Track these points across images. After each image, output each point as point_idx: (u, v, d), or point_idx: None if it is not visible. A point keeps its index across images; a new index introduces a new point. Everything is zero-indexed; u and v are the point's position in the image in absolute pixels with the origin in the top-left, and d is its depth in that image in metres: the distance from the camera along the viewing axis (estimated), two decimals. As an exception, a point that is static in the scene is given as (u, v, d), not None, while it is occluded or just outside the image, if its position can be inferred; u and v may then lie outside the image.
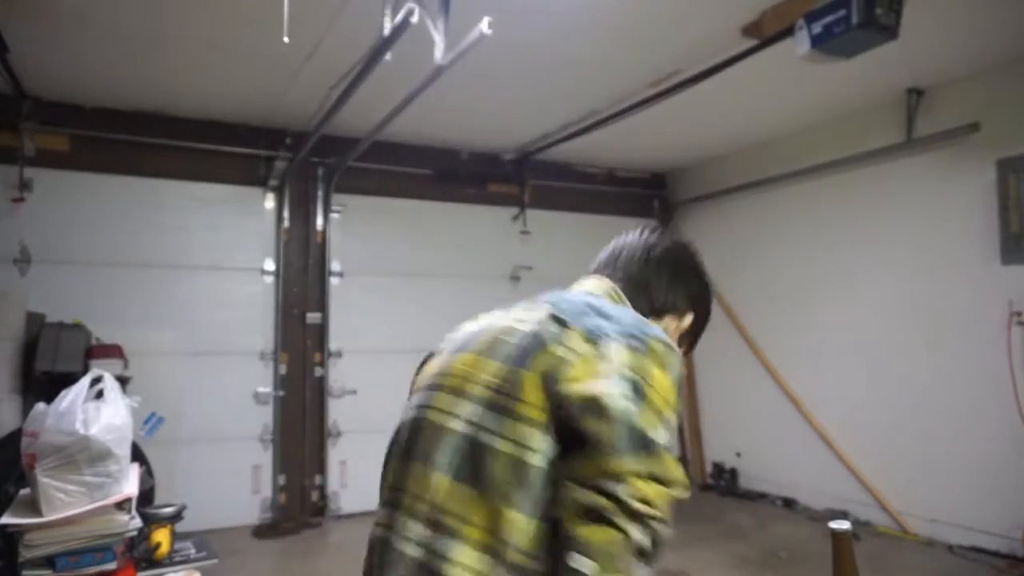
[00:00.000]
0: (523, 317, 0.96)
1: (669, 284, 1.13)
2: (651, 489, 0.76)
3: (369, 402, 5.60)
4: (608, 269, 1.14)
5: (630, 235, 1.19)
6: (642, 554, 0.75)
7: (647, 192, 7.05)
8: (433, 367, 1.01)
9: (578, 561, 0.74)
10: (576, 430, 0.79)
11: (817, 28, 3.09)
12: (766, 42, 3.63)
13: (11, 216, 4.63)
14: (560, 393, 0.82)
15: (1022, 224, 4.18)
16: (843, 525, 1.18)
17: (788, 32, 3.34)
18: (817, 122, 5.35)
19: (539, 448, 0.81)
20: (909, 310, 4.83)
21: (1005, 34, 3.90)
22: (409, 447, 0.94)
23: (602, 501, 0.75)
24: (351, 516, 5.43)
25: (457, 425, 0.87)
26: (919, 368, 4.74)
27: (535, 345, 0.88)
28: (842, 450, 5.25)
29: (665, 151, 6.36)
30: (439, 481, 0.86)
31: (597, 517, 0.74)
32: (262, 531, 5.04)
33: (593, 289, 1.11)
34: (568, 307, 0.94)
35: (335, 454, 5.52)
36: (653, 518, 0.76)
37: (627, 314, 0.96)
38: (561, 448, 0.81)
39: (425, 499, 0.86)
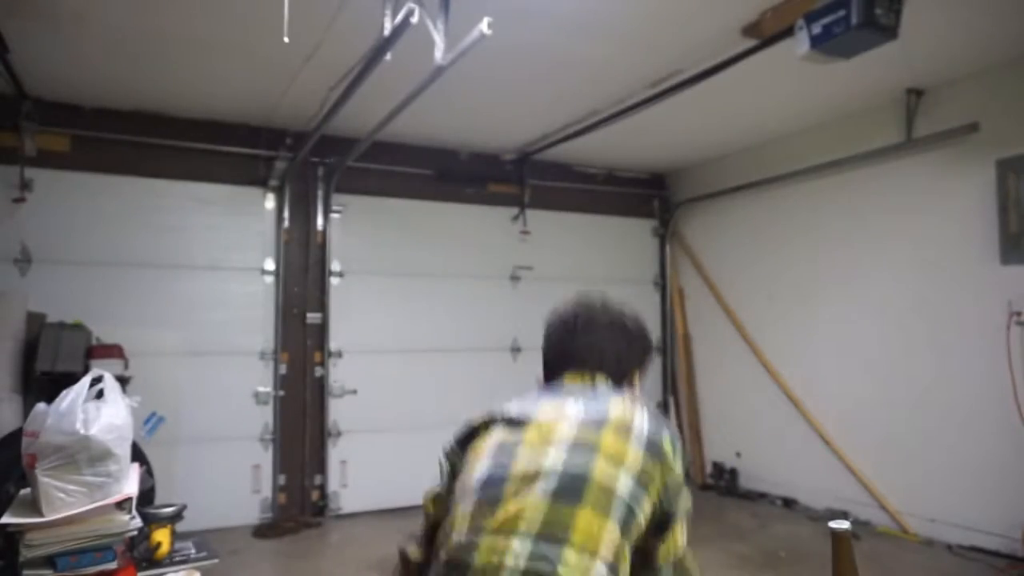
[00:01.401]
0: (629, 410, 1.19)
1: (642, 361, 1.43)
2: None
3: (369, 402, 5.61)
4: (595, 365, 1.35)
5: (597, 329, 1.38)
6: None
7: (647, 192, 7.06)
8: (567, 434, 1.15)
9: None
10: (666, 519, 1.13)
11: (817, 28, 3.10)
12: (766, 42, 3.63)
13: (12, 216, 4.63)
14: (666, 491, 1.13)
15: (1021, 224, 4.18)
16: (843, 525, 1.18)
17: (788, 32, 3.34)
18: (817, 122, 5.35)
19: (648, 518, 1.11)
20: (908, 310, 4.83)
21: (1005, 34, 3.90)
22: (579, 495, 1.07)
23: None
24: (351, 516, 5.44)
25: (625, 494, 1.08)
26: (919, 368, 4.74)
27: (659, 443, 1.15)
28: (842, 450, 5.25)
29: (665, 151, 6.37)
30: (612, 528, 1.05)
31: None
32: (262, 531, 5.04)
33: (614, 395, 1.29)
34: (652, 418, 1.20)
35: (335, 454, 5.52)
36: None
37: (659, 422, 1.21)
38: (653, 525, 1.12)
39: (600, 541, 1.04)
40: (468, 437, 1.26)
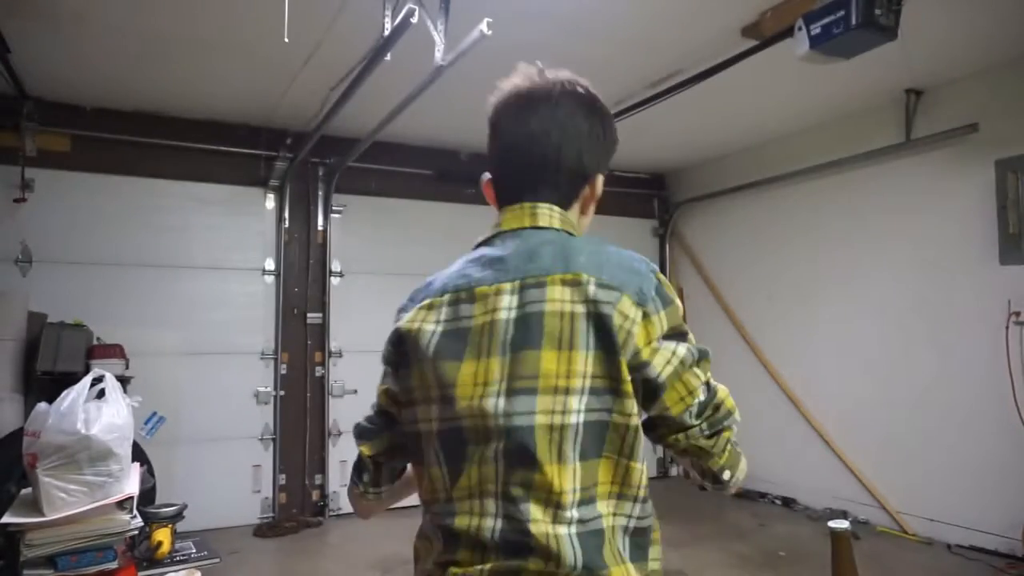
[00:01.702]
0: (570, 297, 0.99)
1: (608, 156, 1.16)
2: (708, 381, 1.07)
3: (369, 402, 5.60)
4: (549, 171, 1.12)
5: (557, 101, 1.12)
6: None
7: (647, 192, 7.06)
8: (501, 374, 0.99)
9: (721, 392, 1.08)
10: (657, 388, 1.00)
11: (816, 29, 3.10)
12: (766, 43, 3.63)
13: (12, 216, 4.63)
14: (639, 364, 0.99)
15: (1020, 224, 4.18)
16: (842, 525, 1.18)
17: (787, 32, 3.34)
18: (816, 122, 5.35)
19: (635, 411, 0.98)
20: (908, 310, 4.83)
21: (1004, 34, 3.90)
22: (522, 449, 0.97)
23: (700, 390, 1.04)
24: (351, 515, 5.44)
25: (575, 419, 0.96)
26: (918, 368, 4.74)
27: (609, 326, 0.97)
28: (841, 450, 5.26)
29: (665, 151, 6.36)
30: (573, 469, 0.96)
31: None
32: (262, 530, 5.04)
33: (569, 228, 1.14)
34: (607, 272, 1.01)
35: (335, 454, 5.53)
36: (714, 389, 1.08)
37: (612, 281, 1.02)
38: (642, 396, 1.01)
39: (562, 490, 0.95)
40: (400, 340, 1.15)
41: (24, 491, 1.99)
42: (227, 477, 5.15)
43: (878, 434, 5.00)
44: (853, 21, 2.93)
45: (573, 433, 0.95)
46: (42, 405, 1.96)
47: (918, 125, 4.68)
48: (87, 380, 1.99)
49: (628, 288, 0.99)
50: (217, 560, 2.14)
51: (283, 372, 5.41)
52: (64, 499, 1.81)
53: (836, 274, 5.35)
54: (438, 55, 3.08)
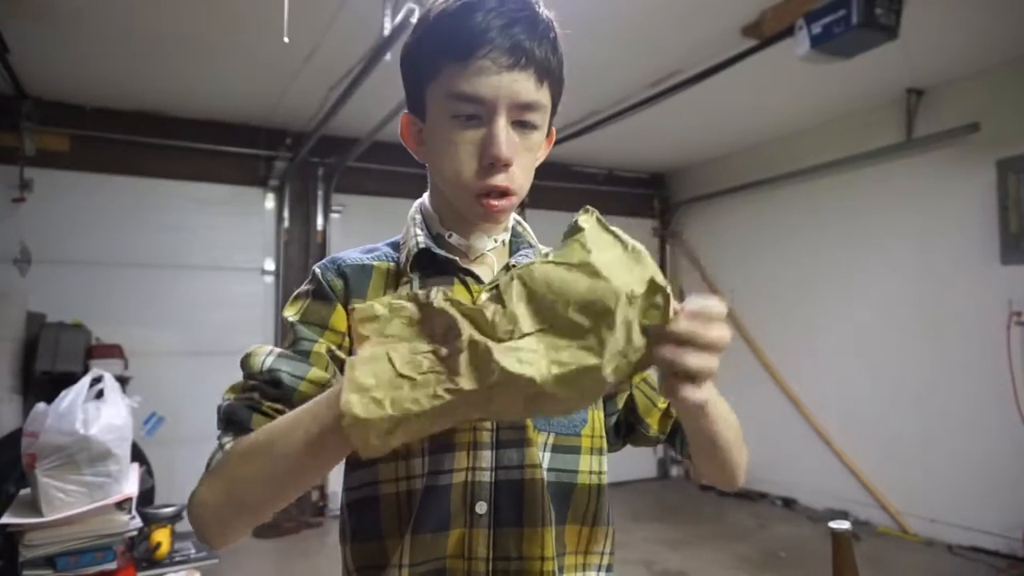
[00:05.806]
0: None
1: (559, 96, 0.94)
2: None
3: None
4: None
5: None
6: None
7: (647, 192, 7.05)
8: None
9: None
10: None
11: (817, 28, 3.10)
12: (766, 42, 3.63)
13: (11, 216, 4.62)
14: None
15: (1021, 224, 4.18)
16: (843, 525, 1.18)
17: (788, 32, 3.34)
18: (817, 122, 5.35)
19: None
20: (909, 310, 4.83)
21: (1005, 34, 3.90)
22: None
23: None
24: (351, 516, 5.44)
25: None
26: (919, 368, 4.74)
27: None
28: (842, 450, 5.25)
29: (665, 151, 6.36)
30: None
31: None
32: (262, 530, 5.02)
33: None
34: None
35: (335, 454, 5.52)
36: None
37: None
38: None
39: None
40: None
41: (23, 491, 1.98)
42: (227, 477, 5.14)
43: (878, 434, 5.00)
44: (854, 21, 2.93)
45: None
46: (41, 405, 1.95)
47: (919, 125, 4.68)
48: (86, 380, 1.98)
49: None
50: (216, 560, 2.13)
51: (283, 372, 5.40)
52: (63, 499, 1.80)
53: (837, 274, 5.35)
54: (438, 55, 3.07)
